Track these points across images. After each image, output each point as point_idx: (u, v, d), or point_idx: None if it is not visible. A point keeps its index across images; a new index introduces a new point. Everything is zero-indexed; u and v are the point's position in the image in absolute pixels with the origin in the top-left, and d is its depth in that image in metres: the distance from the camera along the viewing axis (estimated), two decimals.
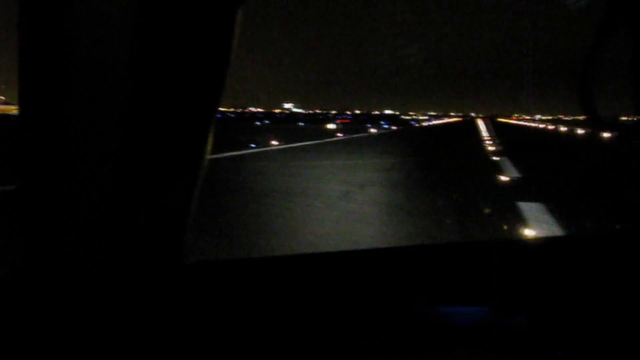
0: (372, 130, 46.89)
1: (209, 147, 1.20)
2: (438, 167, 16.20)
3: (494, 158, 17.71)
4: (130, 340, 1.23)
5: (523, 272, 1.63)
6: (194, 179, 1.21)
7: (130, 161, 1.12)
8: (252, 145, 23.21)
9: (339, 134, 37.08)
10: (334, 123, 58.25)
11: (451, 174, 14.22)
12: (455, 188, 10.94)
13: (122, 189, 1.14)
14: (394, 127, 57.52)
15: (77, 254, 1.17)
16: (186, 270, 1.34)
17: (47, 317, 1.18)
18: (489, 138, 33.20)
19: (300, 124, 65.77)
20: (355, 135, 37.59)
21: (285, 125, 58.72)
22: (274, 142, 25.55)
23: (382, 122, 69.78)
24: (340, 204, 8.77)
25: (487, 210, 10.13)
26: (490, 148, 23.23)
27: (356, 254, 1.77)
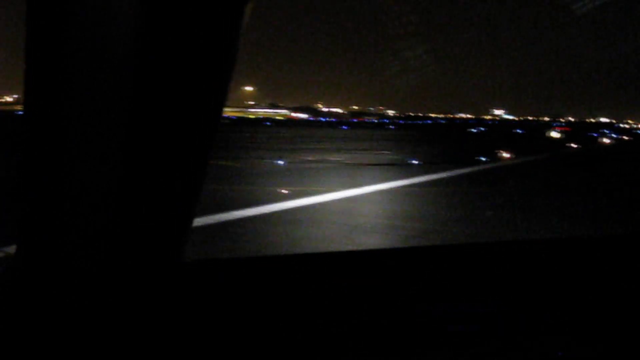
0: (605, 140, 44.07)
1: (212, 147, 1.20)
2: None
3: None
4: (130, 337, 1.23)
5: (523, 272, 1.63)
6: (196, 180, 1.22)
7: (131, 161, 1.12)
8: (483, 159, 23.51)
9: (572, 144, 35.47)
10: (554, 131, 55.78)
11: None
12: None
13: (123, 189, 1.14)
14: (625, 137, 53.44)
15: (78, 253, 1.17)
16: (186, 269, 1.35)
17: (47, 316, 1.18)
18: None
19: (518, 130, 64.16)
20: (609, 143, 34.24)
21: (500, 132, 57.59)
22: (505, 155, 25.26)
23: (606, 131, 65.14)
24: None
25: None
26: None
27: (356, 255, 1.78)
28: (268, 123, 73.13)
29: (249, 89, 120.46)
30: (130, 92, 1.07)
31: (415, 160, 23.21)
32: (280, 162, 21.06)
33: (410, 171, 18.98)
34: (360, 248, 8.13)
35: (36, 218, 1.18)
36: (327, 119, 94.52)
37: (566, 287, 1.60)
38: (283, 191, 13.27)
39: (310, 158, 23.37)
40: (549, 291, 1.59)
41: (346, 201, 12.52)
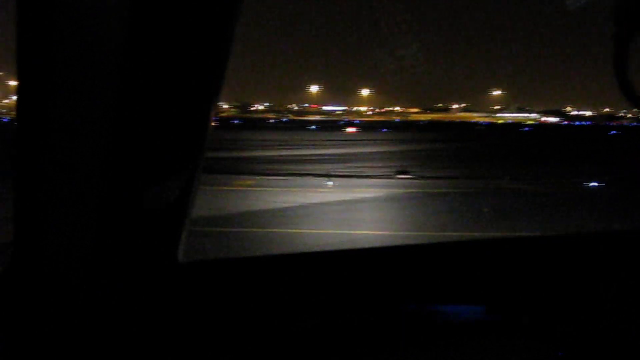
0: None
1: (205, 147, 1.21)
2: None
3: None
4: (126, 336, 1.27)
5: (522, 271, 1.61)
6: (191, 180, 1.24)
7: (126, 162, 1.14)
8: None
9: None
10: None
11: None
12: None
13: (118, 189, 1.16)
14: None
15: (73, 254, 1.20)
16: (182, 269, 1.37)
17: (44, 316, 1.21)
18: None
19: None
20: None
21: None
22: None
23: None
24: None
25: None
26: None
27: (353, 253, 1.71)
28: (526, 129, 62.30)
29: (496, 92, 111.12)
30: (122, 93, 1.06)
31: None
32: (595, 184, 15.87)
33: None
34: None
35: (31, 221, 1.18)
36: (580, 122, 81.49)
37: (566, 286, 1.59)
38: None
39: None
40: (548, 291, 1.57)
41: None
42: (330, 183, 16.33)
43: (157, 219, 1.25)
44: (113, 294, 1.25)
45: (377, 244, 8.39)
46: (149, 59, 1.06)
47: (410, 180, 17.42)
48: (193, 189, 1.26)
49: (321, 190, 15.16)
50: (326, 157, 24.41)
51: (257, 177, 17.13)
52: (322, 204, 12.85)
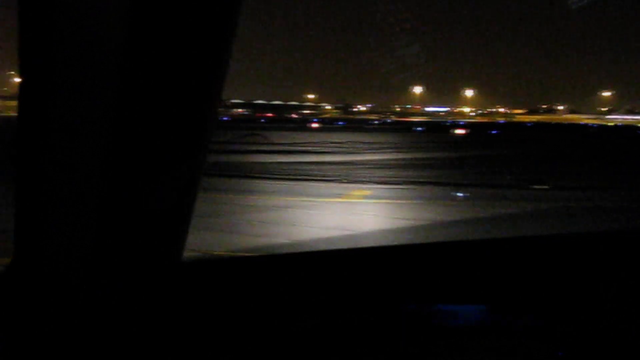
0: None
1: (207, 148, 1.20)
2: None
3: None
4: (126, 336, 1.24)
5: (522, 271, 1.58)
6: (193, 178, 1.22)
7: (126, 162, 1.13)
8: None
9: None
10: None
11: None
12: None
13: (118, 189, 1.14)
14: None
15: (73, 254, 1.18)
16: (185, 267, 1.36)
17: (44, 316, 1.19)
18: None
19: None
20: None
21: None
22: None
23: None
24: None
25: None
26: None
27: (353, 253, 1.72)
28: None
29: (606, 94, 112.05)
30: (122, 92, 1.06)
31: None
32: None
33: None
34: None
35: (31, 221, 1.17)
36: None
37: (566, 286, 1.55)
38: None
39: None
40: (548, 290, 1.54)
41: None
42: (459, 194, 14.31)
43: (157, 218, 1.25)
44: (113, 294, 1.25)
45: None
46: (149, 59, 1.08)
47: (547, 191, 15.01)
48: (195, 188, 1.26)
49: (450, 203, 13.26)
50: (439, 161, 22.85)
51: (373, 186, 15.64)
52: (458, 222, 10.76)
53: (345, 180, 16.66)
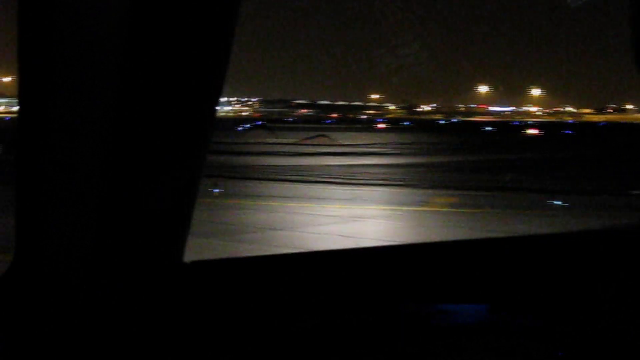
0: None
1: (207, 147, 1.21)
2: None
3: None
4: (127, 336, 1.23)
5: (521, 271, 1.56)
6: (193, 179, 1.23)
7: (126, 162, 1.14)
8: None
9: None
10: None
11: None
12: None
13: (118, 189, 1.15)
14: None
15: (73, 254, 1.18)
16: (185, 269, 1.35)
17: (44, 316, 1.18)
18: None
19: None
20: None
21: None
22: None
23: None
24: None
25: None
26: None
27: (353, 253, 1.75)
28: None
29: None
30: (122, 92, 1.07)
31: None
32: None
33: None
34: None
35: (31, 221, 1.17)
36: None
37: (566, 286, 1.52)
38: None
39: None
40: (548, 290, 1.51)
41: None
42: (557, 202, 13.01)
43: (157, 219, 1.25)
44: (113, 294, 1.25)
45: None
46: (149, 59, 1.09)
47: None
48: (195, 189, 1.26)
49: (549, 213, 12.08)
50: (518, 164, 21.55)
51: (455, 192, 14.66)
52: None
53: (424, 186, 15.82)
